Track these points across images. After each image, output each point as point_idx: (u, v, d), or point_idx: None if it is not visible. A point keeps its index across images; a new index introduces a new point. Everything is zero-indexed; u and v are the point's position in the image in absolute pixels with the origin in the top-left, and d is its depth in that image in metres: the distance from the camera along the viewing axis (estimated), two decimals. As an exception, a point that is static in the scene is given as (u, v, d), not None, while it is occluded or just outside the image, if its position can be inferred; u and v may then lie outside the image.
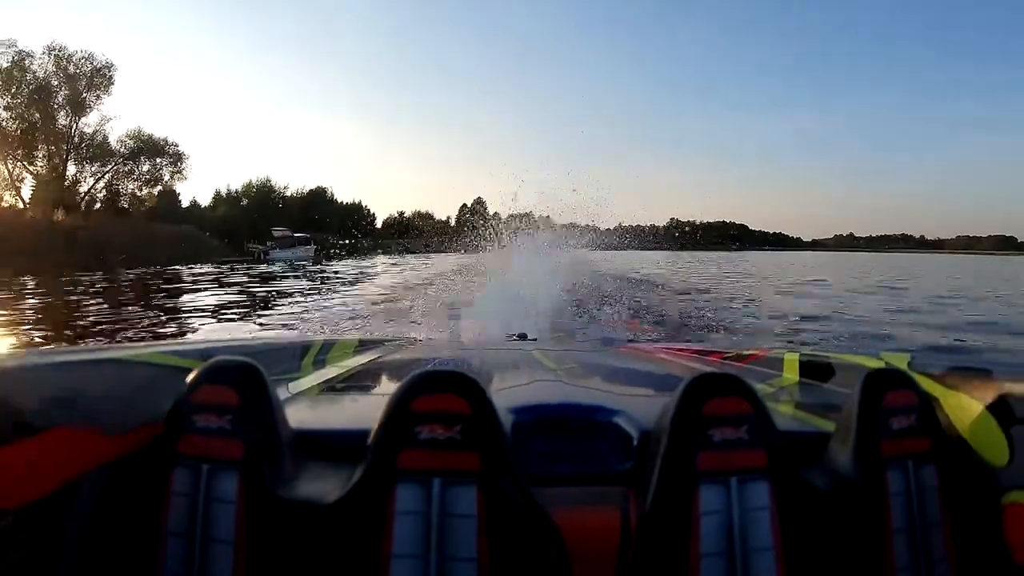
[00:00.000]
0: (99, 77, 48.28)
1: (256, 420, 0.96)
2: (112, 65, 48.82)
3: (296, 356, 1.94)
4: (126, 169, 52.23)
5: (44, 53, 46.35)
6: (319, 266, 32.34)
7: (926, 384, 1.19)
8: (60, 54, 46.85)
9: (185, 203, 68.54)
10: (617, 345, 4.87)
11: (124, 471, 0.97)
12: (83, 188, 50.38)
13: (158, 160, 53.32)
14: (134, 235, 37.85)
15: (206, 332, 8.68)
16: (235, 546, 0.89)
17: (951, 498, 1.05)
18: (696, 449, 0.94)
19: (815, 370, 1.77)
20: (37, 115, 45.84)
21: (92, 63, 47.85)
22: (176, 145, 54.44)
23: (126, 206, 51.05)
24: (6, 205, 43.75)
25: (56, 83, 46.74)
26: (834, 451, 1.09)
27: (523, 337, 3.80)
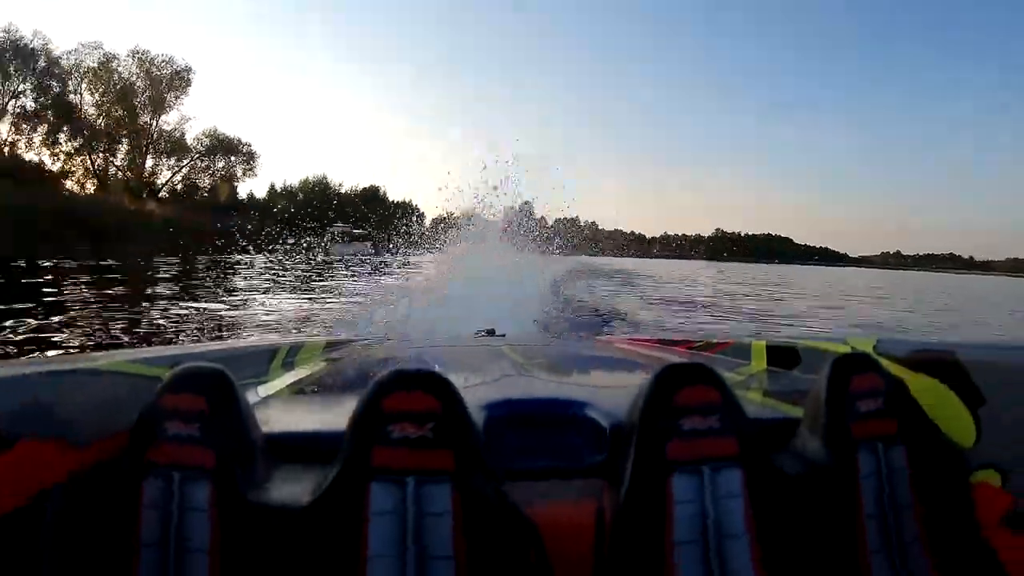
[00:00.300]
0: (178, 79, 50.98)
1: (226, 426, 0.95)
2: (191, 68, 51.54)
3: (264, 360, 1.90)
4: (203, 165, 54.86)
5: (128, 56, 49.08)
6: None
7: (892, 367, 1.20)
8: (143, 57, 49.56)
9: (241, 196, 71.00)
10: (586, 338, 4.89)
11: (95, 482, 0.95)
12: (160, 181, 52.91)
13: (232, 158, 55.91)
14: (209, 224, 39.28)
15: (174, 340, 8.43)
16: (210, 553, 0.88)
17: (920, 479, 1.05)
18: (667, 439, 0.94)
19: (783, 357, 1.77)
20: (122, 112, 48.35)
21: (172, 66, 50.53)
22: (249, 144, 56.94)
23: (197, 197, 53.65)
24: (86, 193, 46.47)
25: (139, 84, 49.23)
26: (804, 436, 1.09)
27: (491, 333, 3.72)
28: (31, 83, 45.78)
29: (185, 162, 53.73)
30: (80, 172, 48.54)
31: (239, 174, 57.37)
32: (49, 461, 0.92)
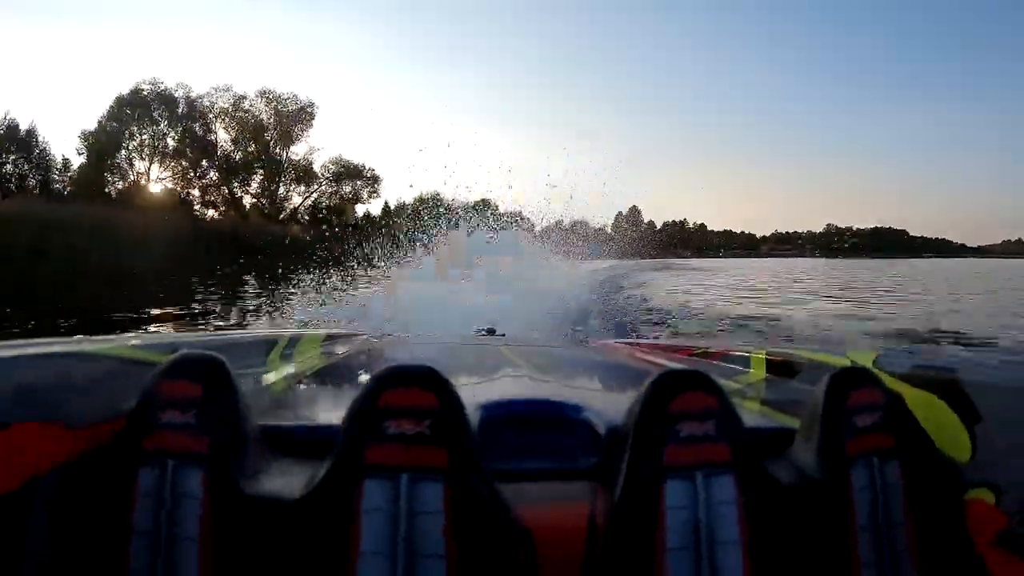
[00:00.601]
0: (303, 114, 53.90)
1: (221, 415, 0.93)
2: (313, 104, 54.42)
3: (263, 351, 1.84)
4: (331, 190, 57.05)
5: (257, 96, 52.70)
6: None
7: (891, 382, 1.18)
8: (270, 96, 52.90)
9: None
10: (586, 341, 4.69)
11: (88, 467, 0.92)
12: (291, 206, 55.81)
13: (357, 182, 57.67)
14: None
15: (172, 327, 8.27)
16: (201, 543, 0.86)
17: (915, 493, 1.02)
18: (663, 444, 0.92)
19: (782, 368, 1.73)
20: (254, 146, 52.03)
21: (297, 102, 53.61)
22: (372, 169, 58.22)
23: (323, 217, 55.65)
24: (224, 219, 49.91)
25: (268, 120, 52.70)
26: (799, 447, 1.07)
27: (491, 332, 3.64)
28: (174, 126, 50.23)
29: (313, 188, 56.38)
30: (219, 201, 52.27)
31: (364, 196, 59.09)
32: (45, 445, 0.91)
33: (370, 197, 59.36)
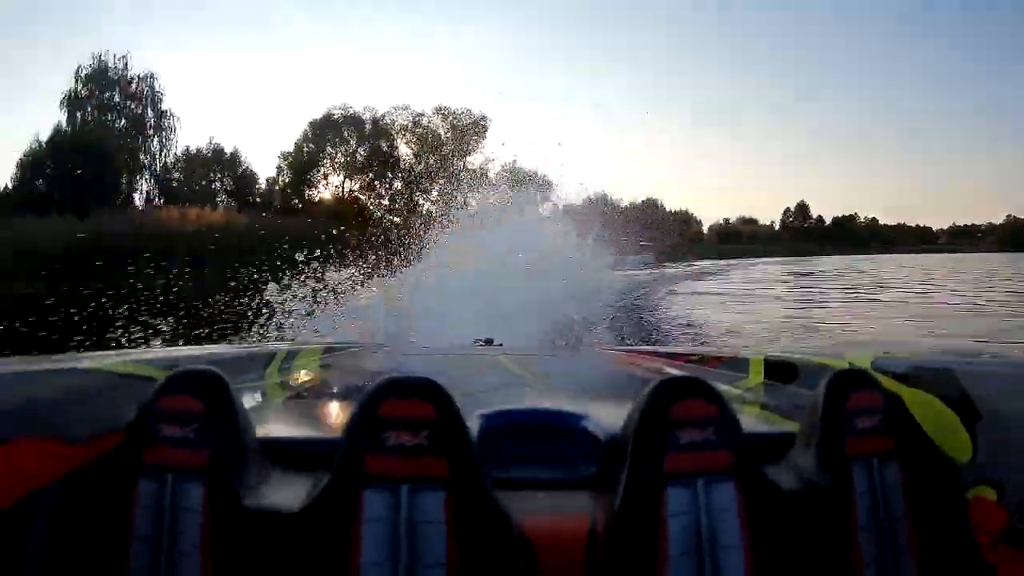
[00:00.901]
0: (477, 127, 55.28)
1: (221, 429, 0.91)
2: (486, 117, 55.53)
3: (261, 364, 1.83)
4: (507, 196, 58.99)
5: (433, 112, 55.06)
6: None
7: (890, 384, 1.15)
8: (445, 112, 55.06)
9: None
10: (584, 349, 4.65)
11: (87, 482, 0.91)
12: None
13: (530, 187, 59.57)
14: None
15: (170, 342, 7.37)
16: (201, 556, 0.85)
17: (916, 494, 1.00)
18: (663, 452, 0.90)
19: (780, 371, 1.70)
20: (433, 159, 54.07)
21: (471, 117, 55.36)
22: (545, 175, 60.36)
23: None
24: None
25: (445, 135, 54.95)
26: (799, 451, 1.06)
27: (489, 342, 3.53)
28: (362, 144, 54.35)
29: (490, 195, 58.45)
30: (403, 208, 55.54)
31: (537, 200, 60.51)
32: (44, 460, 0.90)
33: (542, 201, 61.15)
